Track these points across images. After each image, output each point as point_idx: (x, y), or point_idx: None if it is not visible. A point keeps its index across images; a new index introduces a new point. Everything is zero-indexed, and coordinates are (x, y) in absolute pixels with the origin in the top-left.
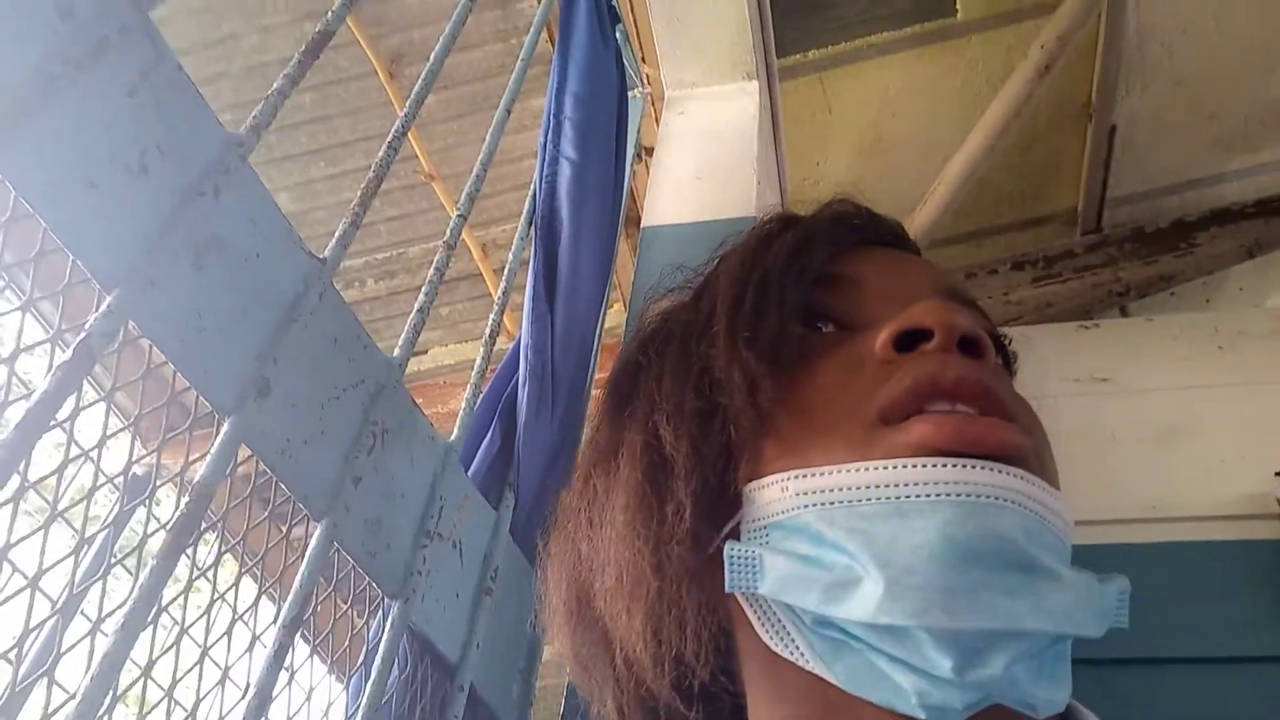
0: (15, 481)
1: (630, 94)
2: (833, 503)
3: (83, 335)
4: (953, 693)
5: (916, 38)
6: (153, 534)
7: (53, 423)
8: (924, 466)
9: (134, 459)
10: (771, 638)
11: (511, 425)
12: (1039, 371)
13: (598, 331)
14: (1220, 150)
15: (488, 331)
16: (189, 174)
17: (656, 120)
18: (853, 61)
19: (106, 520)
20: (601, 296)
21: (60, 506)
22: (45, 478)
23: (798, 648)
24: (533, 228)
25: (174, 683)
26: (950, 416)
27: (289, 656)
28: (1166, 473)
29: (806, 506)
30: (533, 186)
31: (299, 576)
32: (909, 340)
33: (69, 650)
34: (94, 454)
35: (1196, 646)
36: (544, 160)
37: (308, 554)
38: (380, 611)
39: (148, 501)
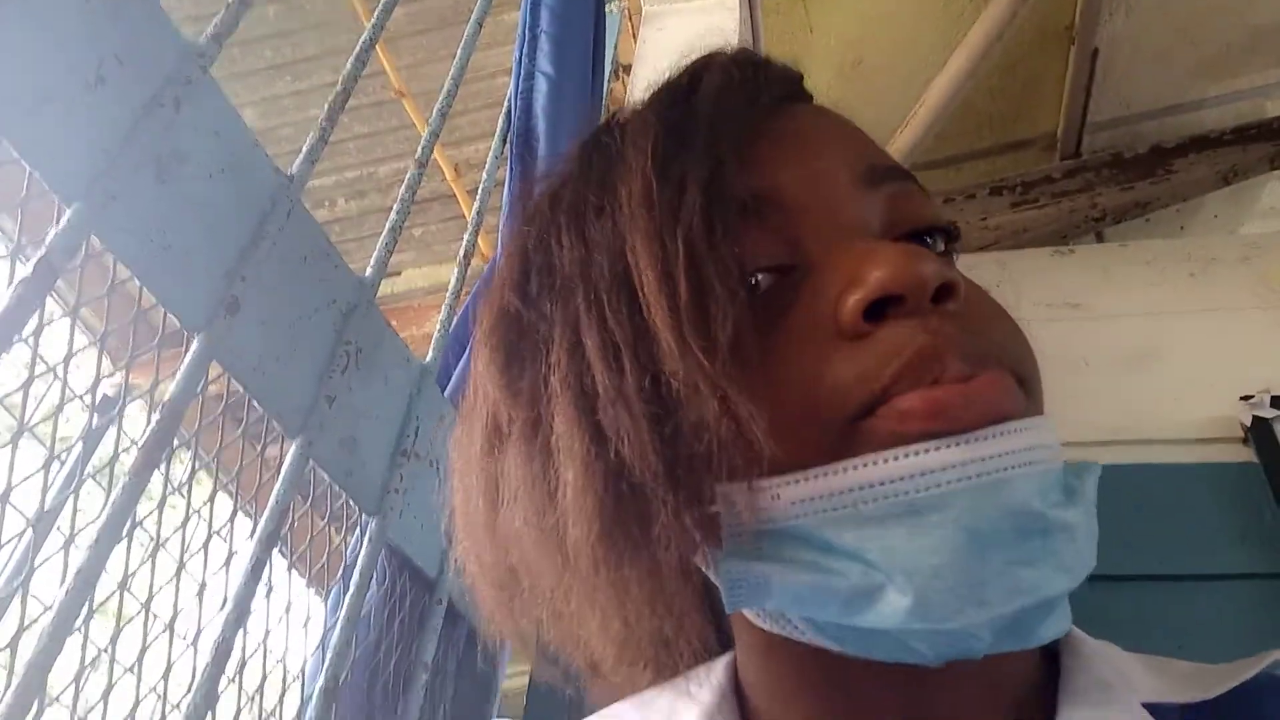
0: None
1: (607, 8)
2: (836, 507)
3: (43, 250)
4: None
5: None
6: (126, 449)
7: (16, 339)
8: (926, 453)
9: (102, 375)
10: (772, 627)
11: None
12: (1013, 296)
13: None
14: (1201, 76)
15: (462, 252)
16: (149, 85)
17: (634, 36)
18: None
19: (79, 436)
20: None
21: (30, 425)
22: (11, 394)
23: (803, 633)
24: (507, 146)
25: (150, 596)
26: (937, 390)
27: (266, 571)
28: (1135, 397)
29: (805, 514)
30: (506, 104)
31: (274, 493)
32: (878, 308)
33: (43, 564)
34: (61, 370)
35: (1160, 564)
36: (519, 76)
37: (283, 471)
38: (359, 528)
39: (118, 419)
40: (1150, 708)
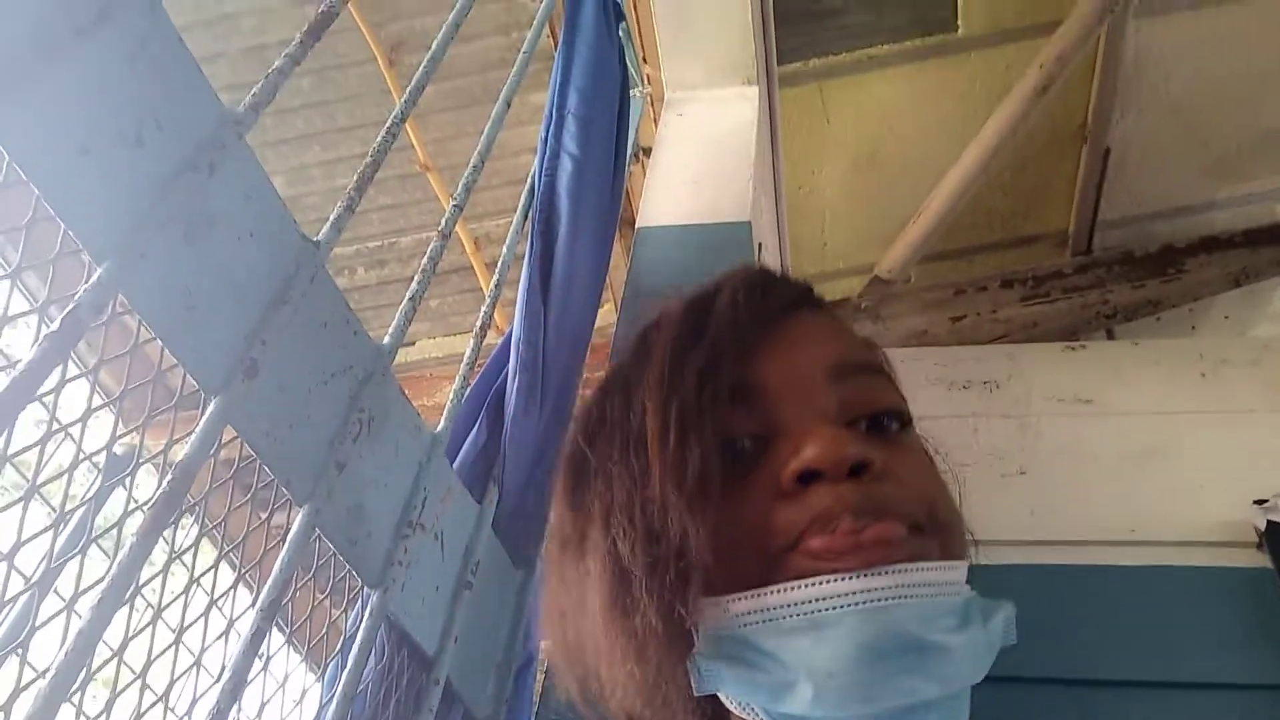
0: None
1: (632, 93)
2: (762, 620)
3: (71, 305)
4: None
5: (917, 52)
6: (132, 512)
7: (36, 394)
8: (825, 584)
9: (116, 436)
10: (743, 712)
11: (499, 419)
12: (1023, 390)
13: (591, 329)
14: (1212, 178)
15: (479, 324)
16: (185, 148)
17: (655, 121)
18: (853, 73)
19: (86, 495)
20: (597, 295)
21: (39, 485)
22: (26, 449)
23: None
24: (529, 222)
25: (147, 664)
26: (835, 537)
27: (265, 642)
28: (1146, 496)
29: (744, 625)
30: (530, 180)
31: (279, 561)
32: (810, 474)
33: (44, 625)
34: (76, 430)
35: (1170, 671)
36: (544, 154)
37: (289, 539)
38: (360, 601)
39: (128, 480)
40: None
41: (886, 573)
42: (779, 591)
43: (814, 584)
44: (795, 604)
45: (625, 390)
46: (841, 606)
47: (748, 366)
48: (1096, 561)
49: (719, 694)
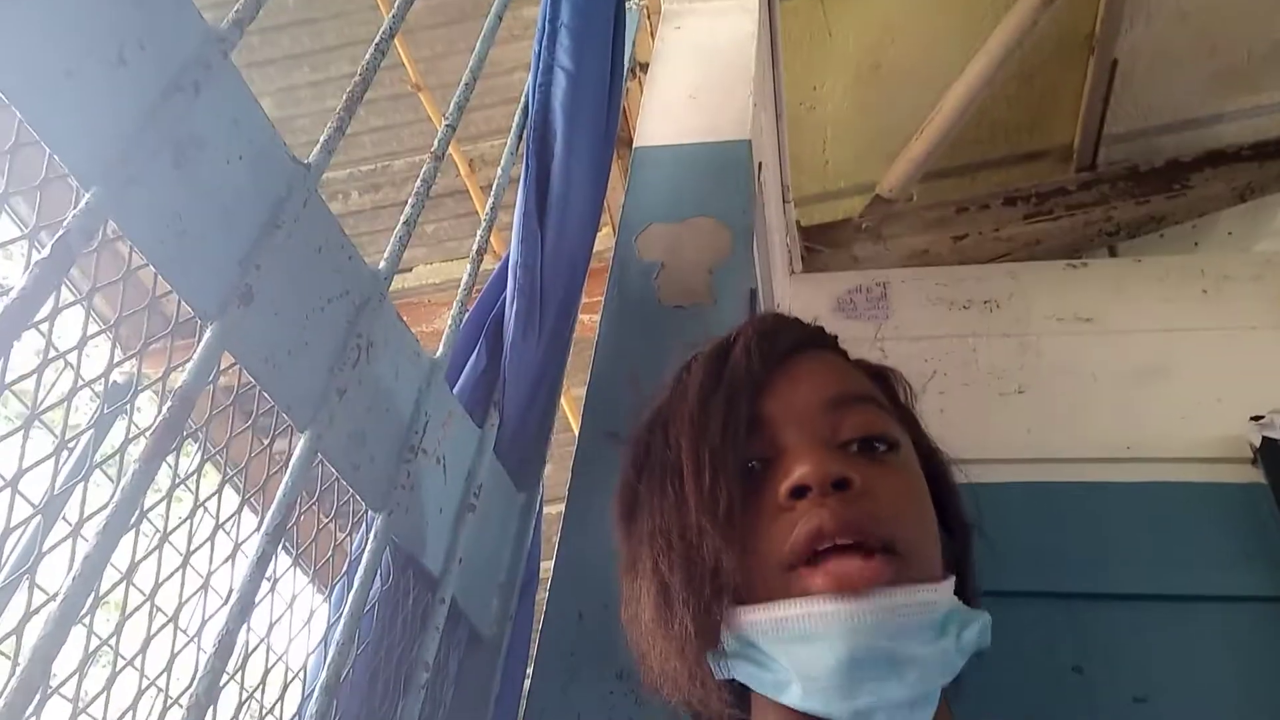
0: None
1: (627, 5)
2: (765, 630)
3: (61, 232)
4: None
5: None
6: (134, 438)
7: (31, 323)
8: (813, 603)
9: (113, 364)
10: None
11: (498, 344)
12: (1024, 309)
13: (589, 253)
14: (1221, 89)
15: (474, 249)
16: (169, 68)
17: (651, 35)
18: None
19: (90, 423)
20: (595, 217)
21: (40, 412)
22: (24, 377)
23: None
24: (523, 142)
25: (155, 587)
26: (831, 565)
27: (271, 565)
28: (1144, 414)
29: (755, 631)
30: (524, 99)
31: (282, 486)
32: (798, 492)
33: (50, 551)
34: (73, 358)
35: (1165, 584)
36: (537, 70)
37: (291, 464)
38: (364, 524)
39: (129, 408)
40: None
41: (874, 598)
42: (780, 607)
43: (802, 604)
44: (791, 619)
45: (664, 427)
46: (825, 626)
47: (759, 402)
48: (1093, 479)
49: (755, 689)
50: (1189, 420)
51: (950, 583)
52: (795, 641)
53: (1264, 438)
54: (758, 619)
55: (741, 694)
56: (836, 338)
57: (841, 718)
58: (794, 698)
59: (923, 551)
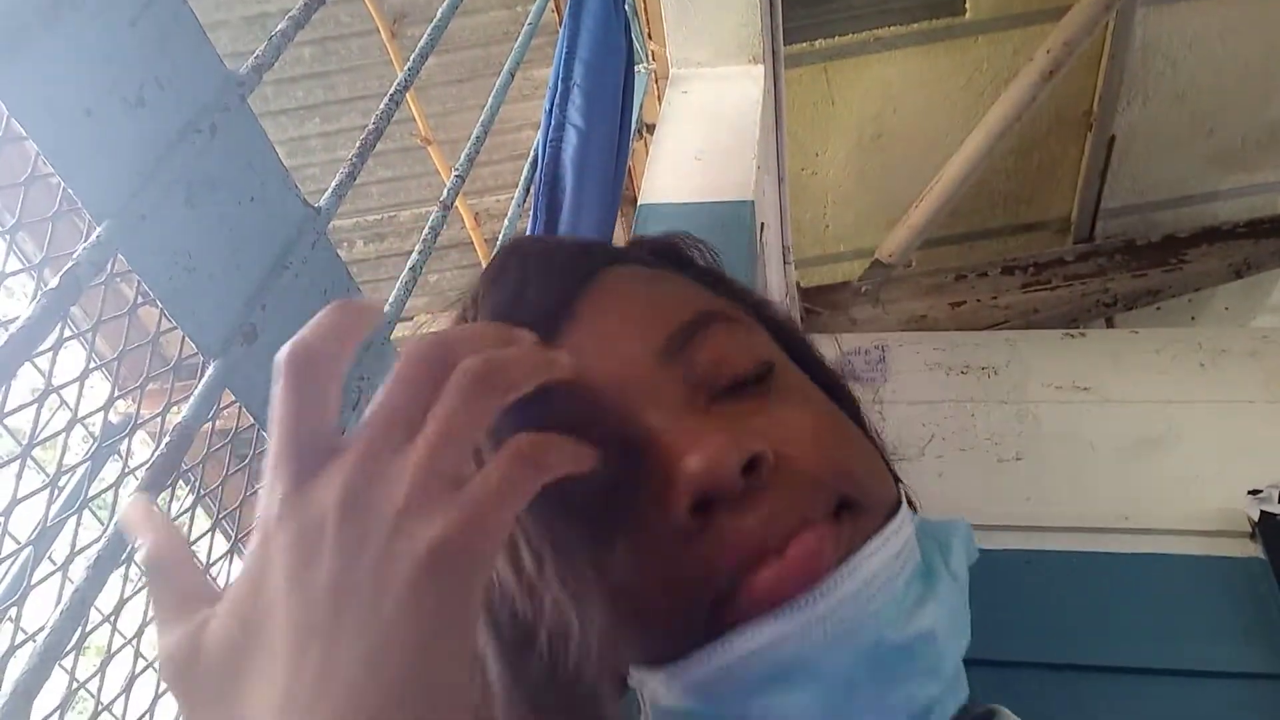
0: None
1: (636, 68)
2: (719, 680)
3: (71, 263)
4: None
5: (923, 34)
6: (127, 475)
7: (33, 353)
8: (776, 621)
9: (112, 399)
10: None
11: None
12: (1022, 377)
13: None
14: (1216, 167)
15: None
16: (187, 110)
17: (659, 98)
18: (859, 54)
19: (85, 456)
20: None
21: (34, 452)
22: (22, 408)
23: None
24: (530, 195)
25: (140, 630)
26: (768, 571)
27: None
28: (1142, 484)
29: (699, 701)
30: (532, 154)
31: None
32: (703, 504)
33: (38, 585)
34: (71, 393)
35: (1163, 658)
36: (548, 126)
37: None
38: None
39: (127, 439)
40: None
41: (837, 585)
42: (728, 644)
43: (768, 623)
44: (750, 653)
45: None
46: (802, 644)
47: (551, 386)
48: (1091, 548)
49: None
50: (1187, 492)
51: (903, 502)
52: (766, 682)
53: (1262, 512)
54: (697, 676)
55: None
56: (641, 241)
57: None
58: None
59: (876, 483)
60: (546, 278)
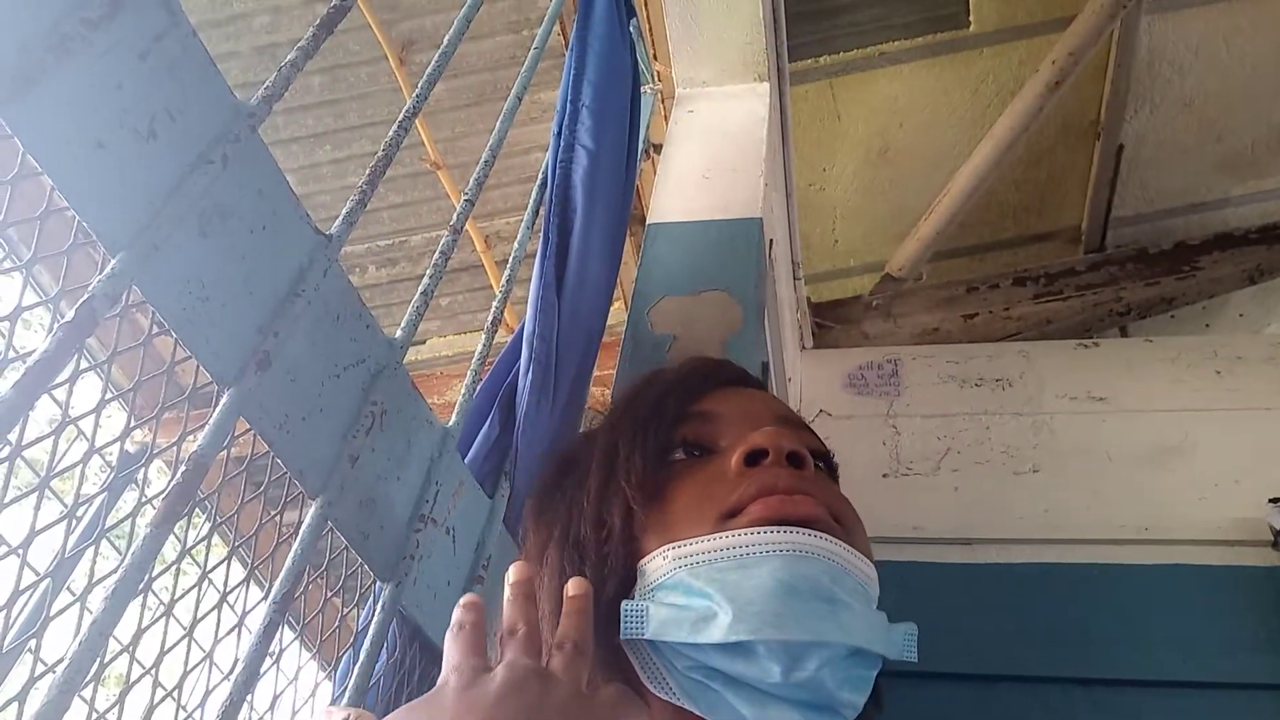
0: (11, 444)
1: (642, 89)
2: (698, 562)
3: (86, 296)
4: (781, 706)
5: (928, 48)
6: (144, 504)
7: (49, 385)
8: (757, 533)
9: (129, 429)
10: (649, 680)
11: (510, 415)
12: (1036, 388)
13: (604, 324)
14: (1226, 174)
15: (490, 320)
16: (198, 141)
17: (665, 118)
18: (864, 69)
19: (103, 486)
20: (610, 289)
21: (52, 483)
22: (39, 440)
23: (670, 689)
24: (540, 217)
25: (158, 659)
26: (773, 497)
27: (277, 636)
28: (1160, 494)
29: (680, 567)
30: (541, 176)
31: (292, 553)
32: (753, 458)
33: (57, 615)
34: (88, 424)
35: (1183, 670)
36: (557, 147)
37: (302, 530)
38: (371, 596)
39: (144, 468)
40: None
41: (809, 534)
42: (719, 538)
43: (746, 533)
44: (730, 548)
45: (592, 439)
46: (767, 550)
47: (700, 402)
48: (1110, 560)
49: (630, 654)
50: (1206, 501)
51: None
52: (731, 569)
53: None
54: (690, 550)
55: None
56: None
57: (771, 659)
58: (720, 629)
59: (862, 548)
60: (709, 369)
